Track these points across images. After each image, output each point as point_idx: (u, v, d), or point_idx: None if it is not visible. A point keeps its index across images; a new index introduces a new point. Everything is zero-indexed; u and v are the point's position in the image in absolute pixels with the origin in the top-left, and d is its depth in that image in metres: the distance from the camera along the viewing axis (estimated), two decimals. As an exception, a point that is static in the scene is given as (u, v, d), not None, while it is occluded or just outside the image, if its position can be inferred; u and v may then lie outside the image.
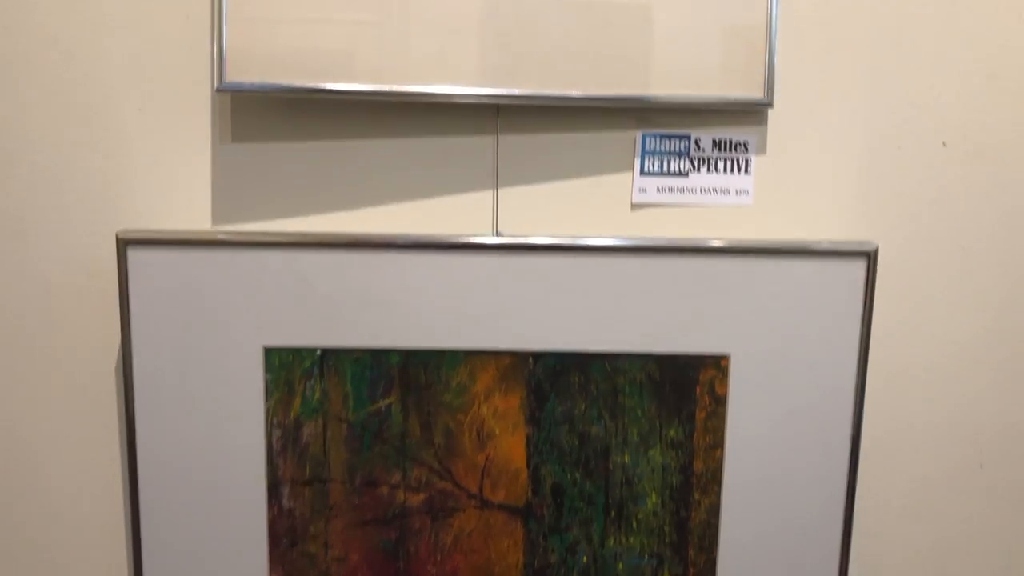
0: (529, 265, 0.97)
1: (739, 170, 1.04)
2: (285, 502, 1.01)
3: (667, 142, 1.03)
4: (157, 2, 0.97)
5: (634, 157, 1.03)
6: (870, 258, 0.97)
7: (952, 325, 1.07)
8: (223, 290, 0.95)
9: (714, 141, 1.03)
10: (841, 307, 0.98)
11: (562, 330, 0.98)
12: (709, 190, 1.04)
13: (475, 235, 0.99)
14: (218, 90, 0.94)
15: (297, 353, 0.98)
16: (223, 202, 1.01)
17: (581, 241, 0.98)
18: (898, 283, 1.05)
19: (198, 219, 1.01)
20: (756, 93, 0.99)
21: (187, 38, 0.97)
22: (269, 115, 1.00)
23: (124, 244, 0.94)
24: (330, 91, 0.95)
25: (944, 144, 1.04)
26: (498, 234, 1.02)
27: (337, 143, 1.01)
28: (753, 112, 1.02)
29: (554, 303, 0.98)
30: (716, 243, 0.98)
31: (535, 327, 0.98)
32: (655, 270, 0.97)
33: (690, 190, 1.04)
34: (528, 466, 1.02)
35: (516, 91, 0.97)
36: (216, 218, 1.02)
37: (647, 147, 1.03)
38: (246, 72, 0.94)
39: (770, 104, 1.00)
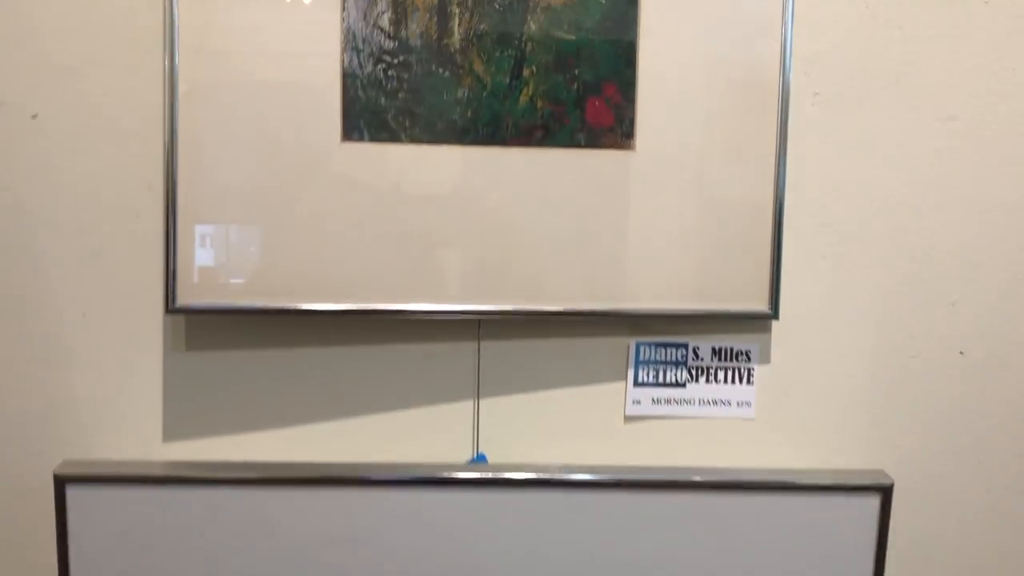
0: (511, 501, 0.88)
1: (741, 380, 0.95)
2: None
3: (663, 351, 0.94)
4: (107, 212, 0.88)
5: (627, 367, 0.94)
6: (885, 494, 0.89)
7: (974, 565, 0.98)
8: (172, 531, 0.86)
9: (714, 349, 0.95)
10: (850, 548, 0.89)
11: (548, 572, 0.89)
12: (708, 402, 0.95)
13: (452, 468, 0.89)
14: (169, 312, 0.85)
15: (254, 594, 0.88)
16: (175, 417, 0.92)
17: (568, 476, 0.89)
18: (914, 516, 0.96)
19: (147, 434, 0.92)
20: (760, 306, 0.92)
21: (137, 251, 0.89)
22: (226, 324, 0.91)
23: (63, 482, 0.85)
24: (293, 311, 0.86)
25: (962, 353, 0.96)
26: (479, 456, 0.93)
27: (302, 352, 0.92)
28: (757, 319, 0.94)
29: (539, 542, 0.88)
30: (715, 477, 0.89)
31: (518, 569, 0.89)
32: (648, 507, 0.88)
33: (688, 401, 0.95)
34: None
35: (498, 307, 0.89)
36: (167, 433, 0.92)
37: (641, 356, 0.94)
38: (200, 293, 0.85)
39: (775, 316, 0.92)
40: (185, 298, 0.85)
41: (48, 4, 0.86)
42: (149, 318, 0.90)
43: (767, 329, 0.95)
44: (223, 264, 0.85)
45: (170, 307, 0.85)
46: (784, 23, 0.89)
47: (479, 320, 0.91)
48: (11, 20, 0.86)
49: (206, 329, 0.90)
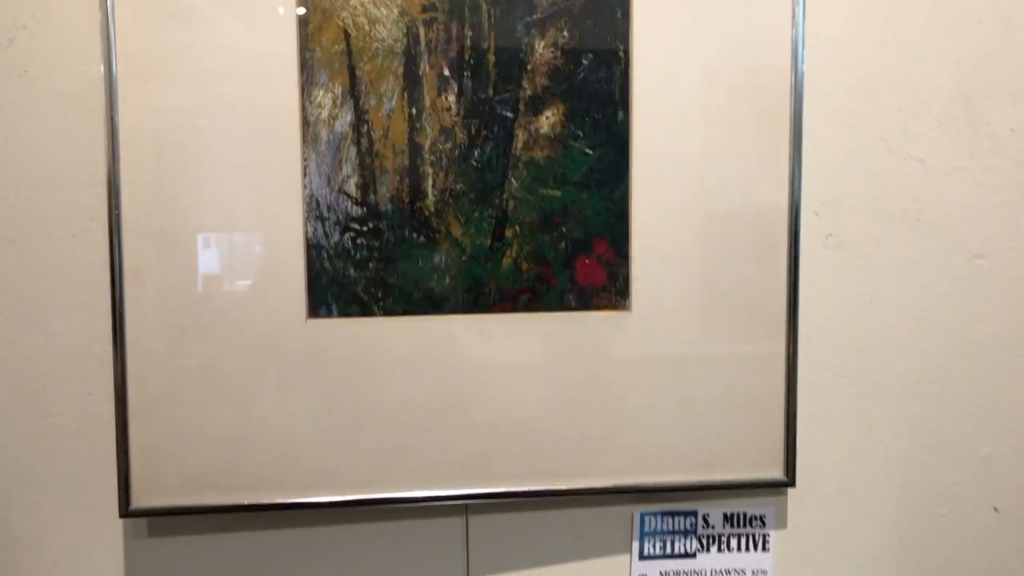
0: None
1: (756, 548, 0.87)
2: None
3: (670, 520, 0.86)
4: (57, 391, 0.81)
5: (631, 539, 0.86)
6: None
7: None
8: None
9: (725, 516, 0.87)
10: None
11: None
12: (721, 572, 0.87)
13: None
14: (123, 516, 0.77)
15: None
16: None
17: None
18: None
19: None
20: (775, 472, 0.83)
21: (91, 458, 0.81)
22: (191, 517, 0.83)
23: None
24: (261, 506, 0.78)
25: (996, 510, 0.87)
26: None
27: (275, 536, 0.84)
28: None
29: None
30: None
31: None
32: None
33: (699, 573, 0.87)
34: None
35: (486, 489, 0.81)
36: (132, 628, 0.84)
37: (646, 527, 0.86)
38: (159, 490, 0.77)
39: (791, 483, 0.83)
40: (142, 498, 0.77)
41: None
42: (106, 505, 0.82)
43: (783, 492, 0.86)
44: (183, 456, 0.77)
45: (124, 510, 0.77)
46: (792, 162, 0.81)
47: (466, 504, 0.83)
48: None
49: (169, 519, 0.82)
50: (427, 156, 0.77)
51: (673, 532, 0.87)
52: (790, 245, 0.82)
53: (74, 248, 0.80)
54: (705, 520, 0.87)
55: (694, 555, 0.87)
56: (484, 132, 0.78)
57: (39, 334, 0.81)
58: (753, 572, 0.87)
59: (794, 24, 0.80)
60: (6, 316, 0.80)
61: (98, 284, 0.80)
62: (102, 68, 0.76)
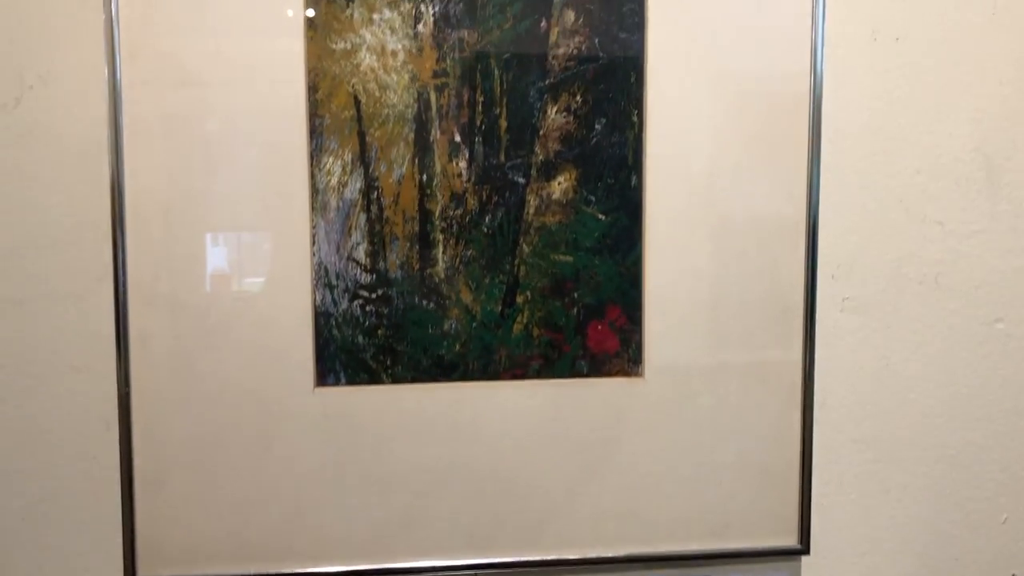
0: None
1: (770, 614, 0.86)
2: None
3: (681, 586, 0.85)
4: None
5: (642, 607, 0.85)
6: None
7: None
8: None
9: (738, 582, 0.85)
10: None
11: None
12: (734, 638, 0.86)
13: None
14: (129, 586, 0.76)
15: None
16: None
17: None
18: None
19: None
20: (788, 540, 0.82)
21: (96, 524, 0.80)
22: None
23: None
24: (268, 576, 0.77)
25: (1016, 577, 0.86)
26: None
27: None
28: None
29: None
30: None
31: None
32: None
33: (711, 639, 0.86)
34: None
35: (496, 559, 0.79)
36: None
37: (657, 594, 0.85)
38: (162, 562, 0.77)
39: (806, 551, 0.82)
40: (148, 566, 0.76)
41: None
42: (111, 574, 0.81)
43: (797, 559, 0.85)
44: (190, 523, 0.77)
45: (130, 582, 0.76)
46: (809, 226, 0.80)
47: (476, 574, 0.82)
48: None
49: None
50: (438, 222, 0.76)
51: (685, 598, 0.85)
52: (806, 309, 0.80)
53: (80, 309, 0.80)
54: (718, 586, 0.85)
55: (706, 622, 0.86)
56: (495, 198, 0.77)
57: (44, 396, 0.80)
58: (766, 639, 0.86)
59: (812, 99, 0.78)
60: (11, 378, 0.79)
61: (104, 346, 0.79)
62: (107, 129, 0.75)
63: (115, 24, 0.72)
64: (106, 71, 0.74)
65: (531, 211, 0.77)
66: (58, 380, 0.80)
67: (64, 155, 0.77)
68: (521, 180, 0.77)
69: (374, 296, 0.76)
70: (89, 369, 0.80)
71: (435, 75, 0.75)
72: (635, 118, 0.77)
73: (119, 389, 0.76)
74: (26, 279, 0.79)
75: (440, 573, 0.79)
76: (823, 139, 0.79)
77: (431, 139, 0.75)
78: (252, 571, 0.77)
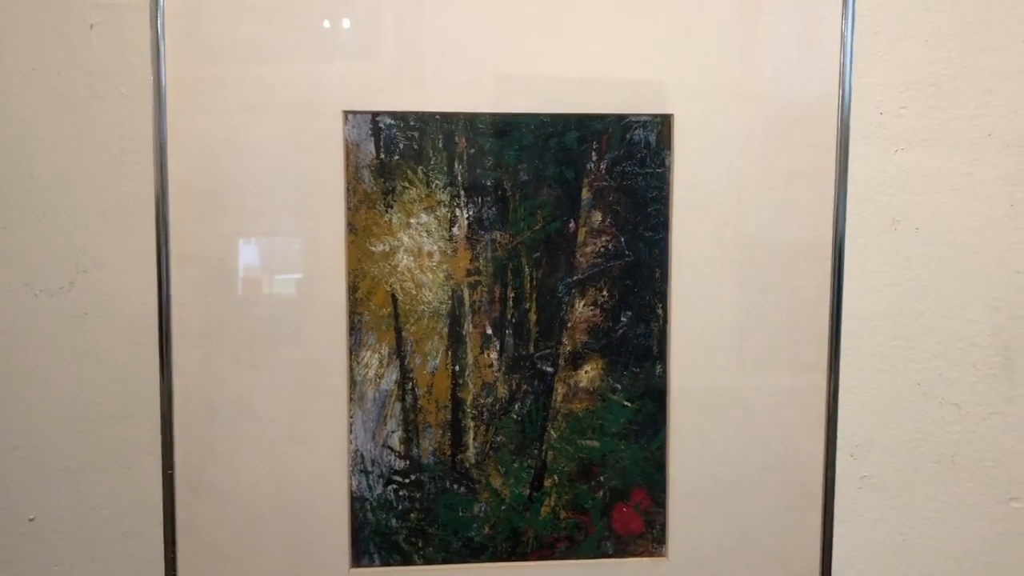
0: None
1: None
2: None
3: None
4: None
5: None
6: None
7: None
8: None
9: None
10: None
11: None
12: None
13: None
14: None
15: None
16: None
17: None
18: None
19: None
20: None
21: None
22: None
23: None
24: None
25: None
26: None
27: None
28: None
29: None
30: None
31: None
32: None
33: None
34: None
35: None
36: None
37: None
38: None
39: None
40: None
41: (44, 404, 0.82)
42: None
43: None
44: None
45: None
46: (829, 406, 0.82)
47: None
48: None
49: None
50: (469, 410, 0.80)
51: None
52: (825, 489, 0.83)
53: (128, 479, 0.83)
54: None
55: None
56: (524, 386, 0.80)
57: (93, 560, 0.84)
58: None
59: (833, 285, 0.81)
60: (62, 542, 0.83)
61: (151, 514, 0.83)
62: (156, 312, 0.79)
63: (167, 226, 0.76)
64: (153, 257, 0.78)
65: (559, 398, 0.80)
66: (107, 545, 0.84)
67: (116, 336, 0.81)
68: (549, 369, 0.80)
69: (407, 481, 0.80)
70: (137, 535, 0.84)
71: (468, 273, 0.78)
72: (660, 311, 0.80)
73: (165, 554, 0.80)
74: (80, 450, 0.84)
75: None
76: (843, 330, 0.82)
77: (464, 332, 0.79)
78: None
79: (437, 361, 0.79)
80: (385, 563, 0.80)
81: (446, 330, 0.79)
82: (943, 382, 0.85)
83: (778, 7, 0.78)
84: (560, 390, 0.80)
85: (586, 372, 0.80)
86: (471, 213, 0.78)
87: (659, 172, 0.79)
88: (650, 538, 0.82)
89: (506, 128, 0.77)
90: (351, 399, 0.78)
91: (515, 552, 0.81)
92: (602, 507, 0.81)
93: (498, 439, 0.80)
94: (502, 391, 0.80)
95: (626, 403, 0.81)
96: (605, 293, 0.80)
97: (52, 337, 0.81)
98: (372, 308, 0.78)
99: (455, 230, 0.78)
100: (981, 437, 0.85)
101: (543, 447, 0.81)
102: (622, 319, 0.80)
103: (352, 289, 0.78)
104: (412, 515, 0.80)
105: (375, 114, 0.76)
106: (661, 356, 0.81)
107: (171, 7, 0.74)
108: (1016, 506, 0.86)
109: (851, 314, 0.83)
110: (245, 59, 0.75)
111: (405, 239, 0.77)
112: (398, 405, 0.79)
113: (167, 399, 0.79)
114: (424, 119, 0.77)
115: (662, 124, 0.78)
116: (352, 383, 0.78)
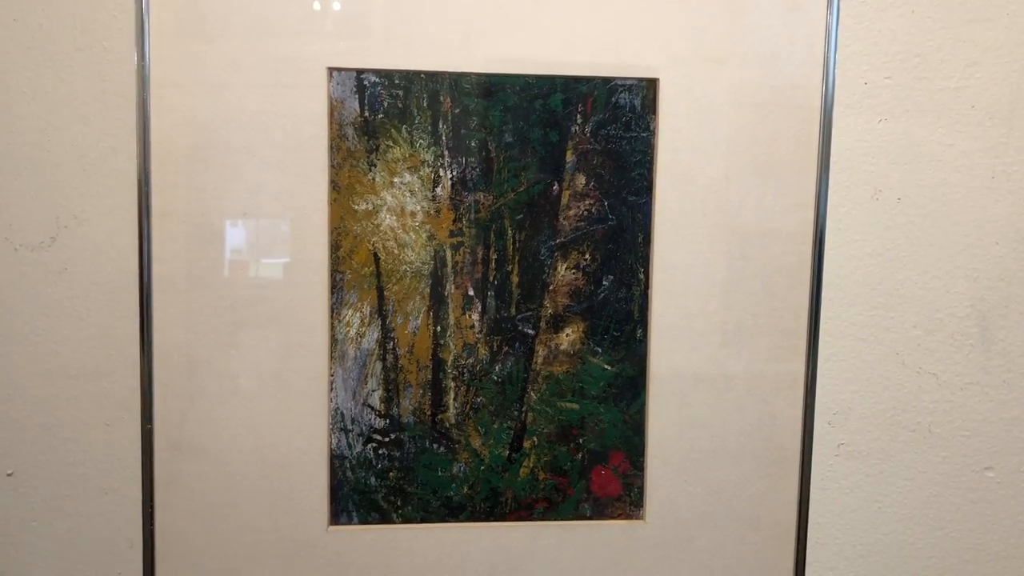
0: None
1: None
2: None
3: None
4: None
5: None
6: None
7: None
8: None
9: None
10: None
11: None
12: None
13: None
14: None
15: None
16: None
17: None
18: None
19: None
20: None
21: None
22: None
23: None
24: None
25: None
26: None
27: None
28: None
29: None
30: None
31: None
32: None
33: None
34: None
35: None
36: None
37: None
38: None
39: None
40: None
41: (23, 359, 0.82)
42: None
43: None
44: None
45: None
46: (808, 374, 0.83)
47: None
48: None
49: None
50: (450, 371, 0.80)
51: None
52: (802, 456, 0.84)
53: (107, 436, 0.83)
54: None
55: None
56: (506, 348, 0.80)
57: (71, 516, 0.84)
58: None
59: (815, 256, 0.81)
60: (40, 498, 0.83)
61: (129, 471, 0.83)
62: (137, 268, 0.79)
63: (149, 182, 0.76)
64: (135, 211, 0.77)
65: (539, 360, 0.81)
66: (86, 502, 0.84)
67: (96, 291, 0.81)
68: (531, 331, 0.80)
69: (387, 440, 0.80)
70: (116, 492, 0.84)
71: (451, 234, 0.78)
72: (641, 275, 0.80)
73: (144, 510, 0.80)
74: (58, 406, 0.83)
75: None
76: (823, 298, 0.82)
77: (446, 293, 0.79)
78: None
79: (419, 321, 0.79)
80: (363, 521, 0.80)
81: (428, 290, 0.79)
82: (921, 351, 0.85)
83: (765, -28, 0.78)
84: (541, 352, 0.81)
85: (567, 335, 0.81)
86: (455, 173, 0.78)
87: (644, 136, 0.79)
88: (628, 501, 0.83)
89: (491, 88, 0.77)
90: (332, 357, 0.78)
91: (494, 513, 0.81)
92: (581, 469, 0.82)
93: (478, 400, 0.80)
94: (483, 352, 0.80)
95: (606, 366, 0.81)
96: (587, 257, 0.80)
97: (32, 292, 0.81)
98: (354, 266, 0.78)
99: (438, 190, 0.78)
100: (958, 407, 0.86)
101: (523, 408, 0.81)
102: (604, 283, 0.80)
103: (334, 247, 0.77)
104: (391, 474, 0.80)
105: (360, 71, 0.76)
106: (642, 320, 0.81)
107: (155, -42, 0.74)
108: (990, 475, 0.87)
109: (831, 282, 0.84)
110: (230, 14, 0.75)
111: (388, 198, 0.77)
112: (379, 364, 0.79)
113: (147, 355, 0.79)
114: (409, 77, 0.76)
115: (647, 88, 0.78)
116: (333, 341, 0.78)
